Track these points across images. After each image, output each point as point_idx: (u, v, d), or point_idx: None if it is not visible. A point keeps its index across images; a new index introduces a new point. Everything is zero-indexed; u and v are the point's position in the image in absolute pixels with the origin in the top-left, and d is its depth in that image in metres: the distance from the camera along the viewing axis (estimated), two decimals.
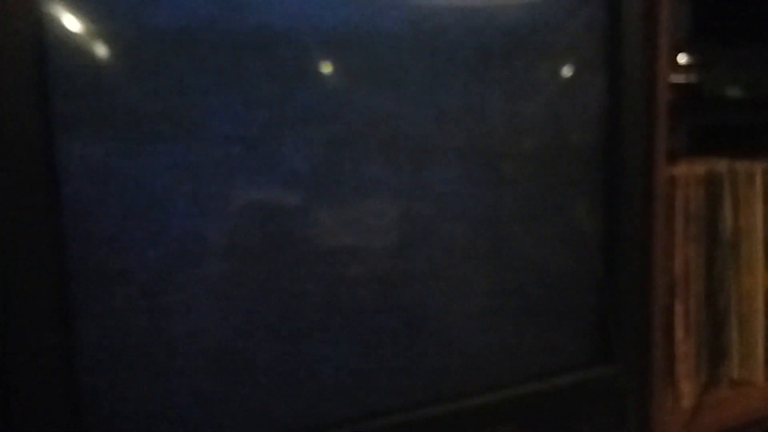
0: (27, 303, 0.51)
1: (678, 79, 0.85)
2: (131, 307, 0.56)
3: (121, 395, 0.56)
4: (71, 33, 0.52)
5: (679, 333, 0.85)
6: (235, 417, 0.60)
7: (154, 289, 0.56)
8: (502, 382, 0.72)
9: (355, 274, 0.64)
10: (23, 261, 0.51)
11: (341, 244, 0.63)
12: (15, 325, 0.51)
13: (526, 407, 0.72)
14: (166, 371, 0.57)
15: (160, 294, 0.57)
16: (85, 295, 0.54)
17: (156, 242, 0.56)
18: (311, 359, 0.63)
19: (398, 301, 0.66)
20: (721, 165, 0.87)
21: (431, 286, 0.67)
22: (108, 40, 0.53)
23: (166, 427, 0.58)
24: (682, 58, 0.87)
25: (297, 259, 0.61)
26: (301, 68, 0.60)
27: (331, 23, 0.60)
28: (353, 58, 0.62)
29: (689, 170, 0.84)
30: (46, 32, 0.51)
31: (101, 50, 0.53)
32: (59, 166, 0.52)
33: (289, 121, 0.60)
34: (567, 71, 0.72)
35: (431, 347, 0.68)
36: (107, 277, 0.55)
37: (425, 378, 0.68)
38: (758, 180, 0.89)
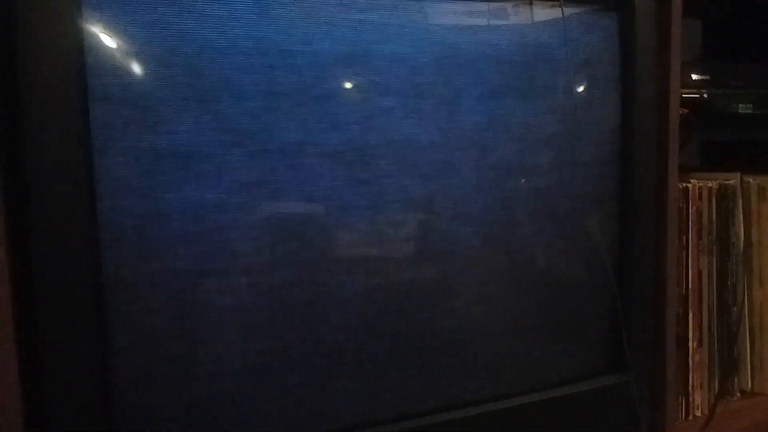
0: (64, 310, 0.54)
1: (690, 95, 0.87)
2: (161, 314, 0.58)
3: (150, 396, 0.58)
4: (109, 51, 0.55)
5: (692, 344, 0.86)
6: (258, 421, 0.62)
7: (182, 299, 0.59)
8: (517, 390, 0.73)
9: (378, 285, 0.66)
10: (62, 270, 0.53)
11: (364, 256, 0.65)
12: (52, 330, 0.54)
13: (541, 414, 0.73)
14: (193, 375, 0.60)
15: (188, 304, 0.59)
16: (118, 303, 0.57)
17: (185, 252, 0.58)
18: (335, 366, 0.65)
19: (421, 312, 0.68)
20: (733, 179, 0.88)
21: (451, 298, 0.69)
22: (143, 57, 0.56)
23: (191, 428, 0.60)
24: (694, 75, 0.88)
25: (320, 268, 0.63)
26: (324, 87, 0.62)
27: (354, 44, 0.63)
28: (376, 76, 0.64)
29: (702, 184, 0.85)
30: (86, 53, 0.54)
31: (137, 66, 0.56)
32: (97, 178, 0.55)
33: (314, 138, 0.62)
34: (582, 88, 0.74)
35: (452, 357, 0.70)
36: (139, 285, 0.57)
37: (446, 385, 0.70)
38: None
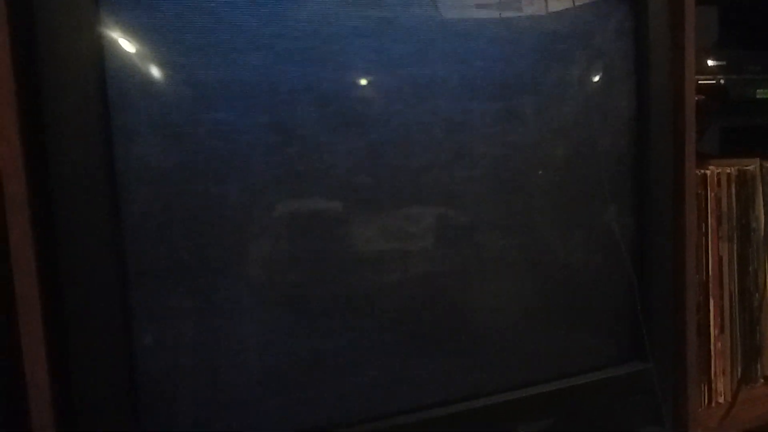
0: (90, 308, 0.55)
1: (707, 81, 0.86)
2: (183, 311, 0.59)
3: (175, 394, 0.60)
4: (127, 54, 0.56)
5: (714, 330, 0.86)
6: (282, 414, 0.63)
7: (204, 294, 0.60)
8: (539, 378, 0.73)
9: (400, 278, 0.66)
10: (87, 266, 0.55)
11: (384, 250, 0.66)
12: (79, 328, 0.55)
13: (562, 402, 0.74)
14: (217, 371, 0.61)
15: (211, 299, 0.60)
16: (142, 300, 0.58)
17: (207, 248, 0.59)
18: (359, 359, 0.66)
19: (443, 304, 0.68)
20: (753, 164, 0.88)
21: (472, 289, 0.70)
22: (157, 58, 0.58)
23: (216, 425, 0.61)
24: (710, 62, 0.88)
25: (340, 263, 0.64)
26: (342, 82, 0.63)
27: (369, 37, 0.64)
28: (389, 70, 0.65)
29: (720, 170, 0.85)
30: (105, 53, 0.55)
31: (153, 69, 0.57)
32: (119, 178, 0.56)
33: (333, 131, 0.63)
34: (596, 76, 0.74)
35: (474, 347, 0.70)
36: (163, 282, 0.58)
37: (468, 375, 0.70)
38: None
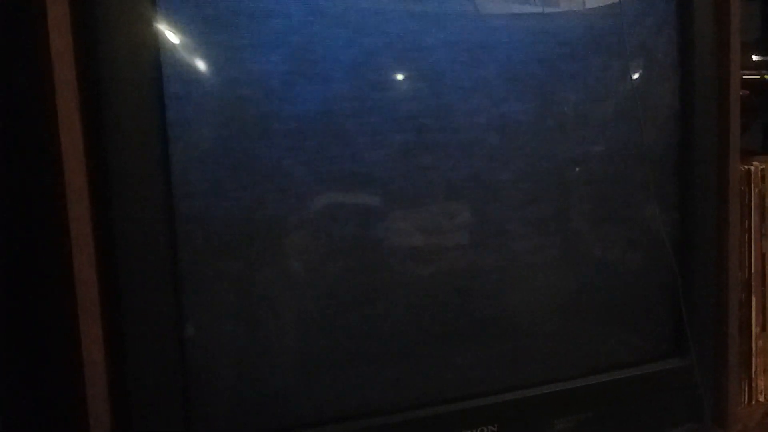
0: (144, 295, 0.57)
1: (751, 77, 0.85)
2: (231, 300, 0.61)
3: (224, 381, 0.62)
4: (183, 48, 0.58)
5: (756, 328, 0.85)
6: (324, 396, 0.65)
7: (253, 292, 0.62)
8: (577, 373, 0.74)
9: (443, 269, 0.67)
10: (142, 255, 0.57)
11: (422, 244, 0.67)
12: (134, 311, 0.57)
13: (604, 396, 0.74)
14: (259, 363, 0.63)
15: (255, 294, 0.62)
16: (193, 288, 0.60)
17: (255, 241, 0.61)
18: (399, 349, 0.67)
19: (484, 297, 0.69)
20: None
21: (512, 283, 0.71)
22: (212, 52, 0.59)
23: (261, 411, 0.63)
24: (754, 57, 0.87)
25: (378, 256, 0.65)
26: (379, 74, 0.64)
27: (407, 33, 0.65)
28: (429, 60, 0.65)
29: (764, 166, 0.84)
30: (161, 48, 0.57)
31: (208, 62, 0.59)
32: (173, 167, 0.58)
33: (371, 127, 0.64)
34: (640, 71, 0.74)
35: (514, 340, 0.71)
36: (212, 271, 0.60)
37: (508, 367, 0.71)
38: None
